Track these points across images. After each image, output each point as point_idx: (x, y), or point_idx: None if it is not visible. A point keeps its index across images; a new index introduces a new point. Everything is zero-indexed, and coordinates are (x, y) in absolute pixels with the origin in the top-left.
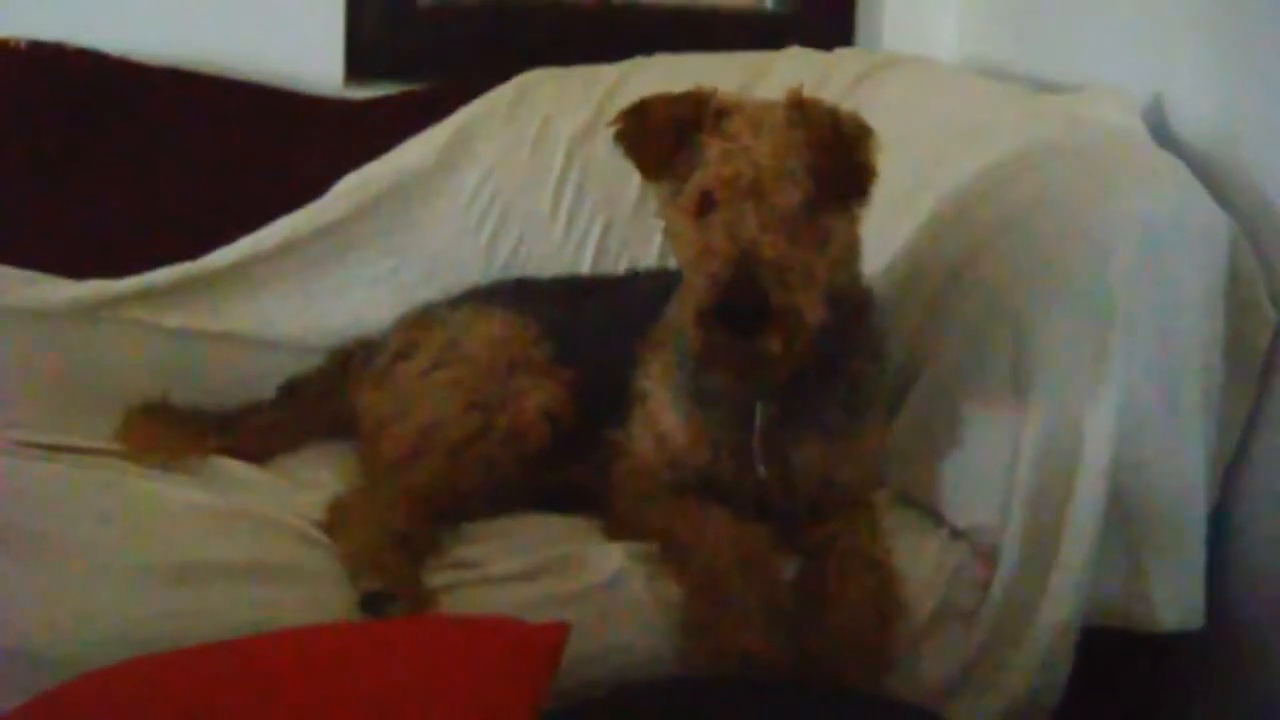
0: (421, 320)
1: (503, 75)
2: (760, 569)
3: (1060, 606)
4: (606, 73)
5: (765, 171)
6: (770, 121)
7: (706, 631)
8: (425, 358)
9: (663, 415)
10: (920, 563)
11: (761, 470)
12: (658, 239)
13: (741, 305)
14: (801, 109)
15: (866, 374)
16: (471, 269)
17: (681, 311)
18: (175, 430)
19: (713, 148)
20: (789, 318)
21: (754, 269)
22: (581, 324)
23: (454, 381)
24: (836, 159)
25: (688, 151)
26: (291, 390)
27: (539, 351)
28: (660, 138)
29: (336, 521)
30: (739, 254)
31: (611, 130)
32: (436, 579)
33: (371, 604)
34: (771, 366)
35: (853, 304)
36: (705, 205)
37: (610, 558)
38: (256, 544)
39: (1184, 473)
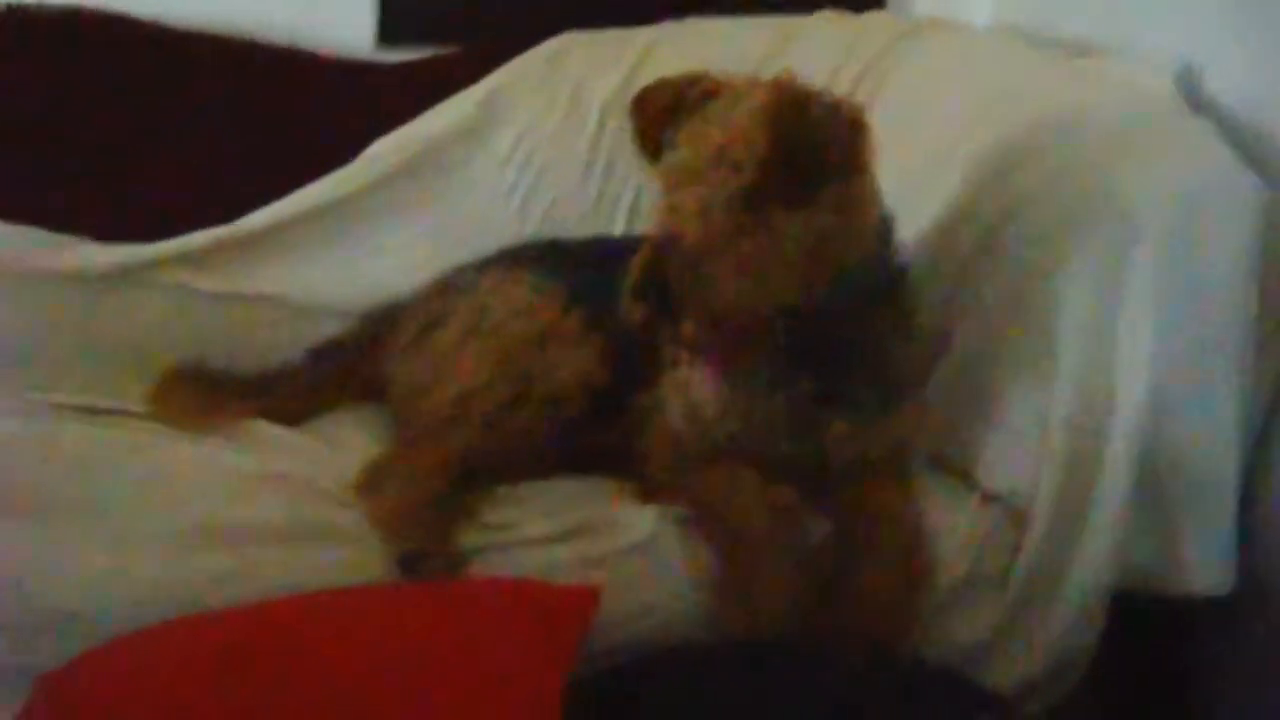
0: (450, 286)
1: (535, 38)
2: (791, 530)
3: (1091, 569)
4: (639, 36)
5: (705, 159)
6: (745, 106)
7: (739, 593)
8: (456, 327)
9: (694, 384)
10: (952, 526)
11: (786, 446)
12: None
13: (650, 291)
14: (782, 93)
15: (898, 354)
16: (505, 232)
17: None
18: (208, 394)
19: (679, 135)
20: (700, 305)
21: (665, 256)
22: (612, 287)
23: (488, 351)
24: (796, 148)
25: (671, 130)
26: (324, 354)
27: (570, 319)
28: (651, 125)
29: (371, 484)
30: (659, 241)
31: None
32: (470, 541)
33: (407, 563)
34: (720, 346)
35: (879, 285)
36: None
37: (642, 520)
38: (291, 506)
39: (1215, 438)
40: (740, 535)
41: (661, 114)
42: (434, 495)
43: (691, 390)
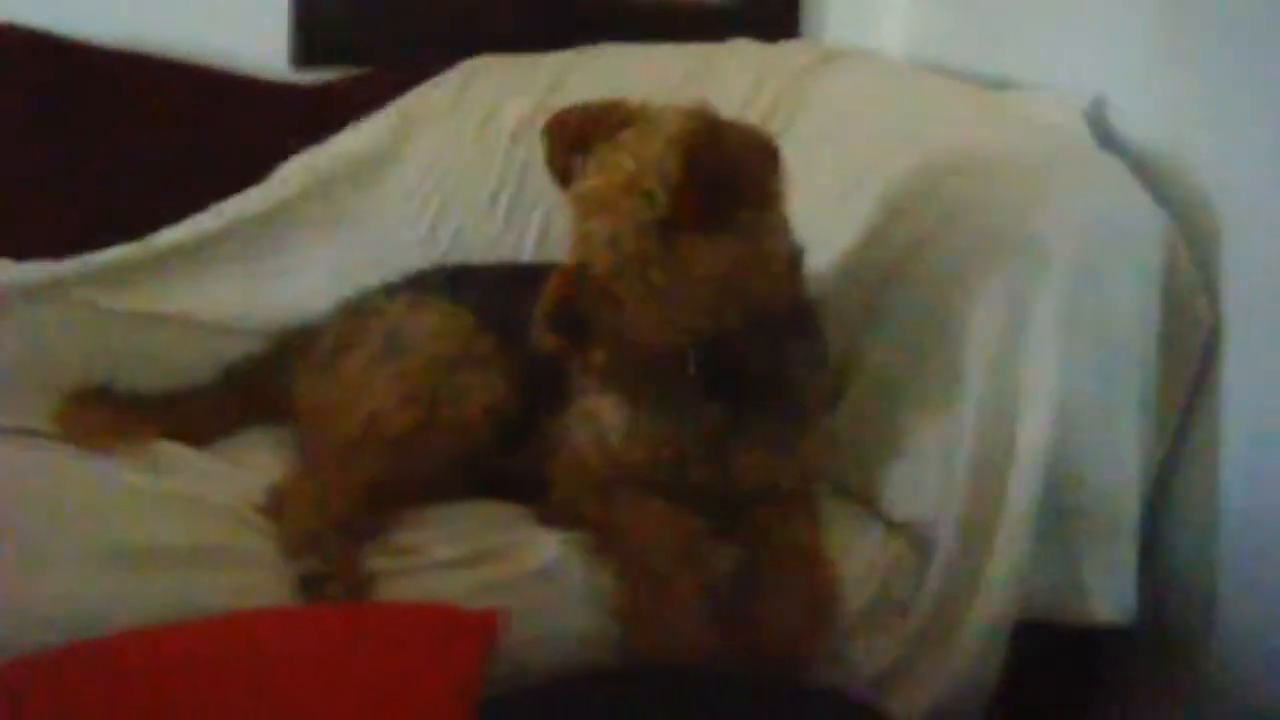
0: (359, 309)
1: (451, 61)
2: (696, 558)
3: (995, 599)
4: (552, 61)
5: (617, 188)
6: (659, 135)
7: (643, 620)
8: (365, 350)
9: (602, 412)
10: (857, 555)
11: (694, 474)
12: None
13: (561, 320)
14: (696, 122)
15: (807, 384)
16: (414, 254)
17: None
18: (114, 414)
19: (590, 162)
20: (610, 333)
21: (577, 286)
22: (522, 313)
23: (396, 375)
24: (710, 176)
25: (584, 158)
26: (232, 374)
27: (479, 343)
28: (564, 149)
29: (277, 506)
30: (571, 269)
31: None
32: (374, 564)
33: (309, 585)
34: (629, 375)
35: (789, 314)
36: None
37: (548, 545)
38: (195, 527)
39: (1118, 468)
40: (647, 562)
41: (575, 139)
42: (338, 518)
43: (599, 417)
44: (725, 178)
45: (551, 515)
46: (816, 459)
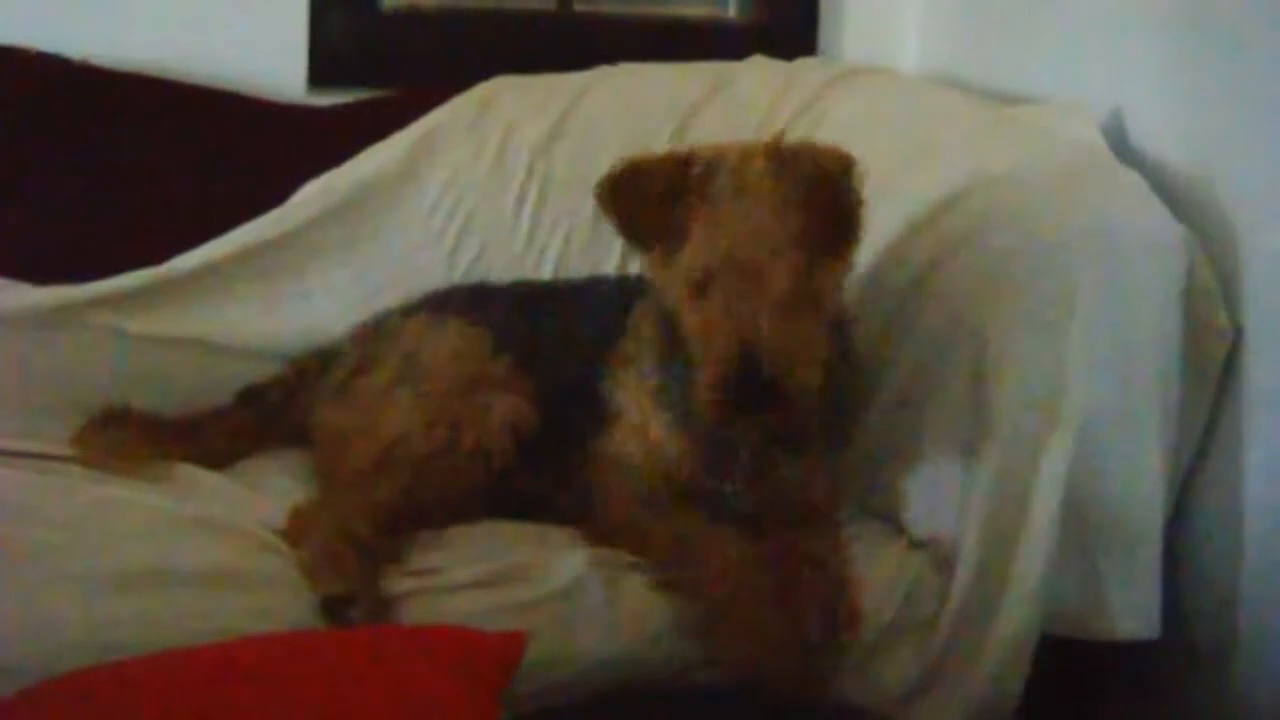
0: (377, 332)
1: (466, 83)
2: (766, 593)
3: (1017, 615)
4: (569, 82)
5: (759, 251)
6: (755, 184)
7: (729, 653)
8: (384, 372)
9: (650, 428)
10: (879, 572)
11: (731, 487)
12: (618, 248)
13: (748, 391)
14: (783, 160)
15: (847, 391)
16: (434, 276)
17: (695, 389)
18: (134, 437)
19: (701, 222)
20: (793, 394)
21: (757, 356)
22: (541, 332)
23: (416, 397)
24: (827, 210)
25: (673, 216)
26: (251, 397)
27: (499, 364)
28: (647, 209)
29: (297, 529)
30: (741, 341)
31: (596, 195)
32: (396, 586)
33: (332, 608)
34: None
35: (833, 328)
36: (704, 279)
37: (569, 565)
38: (214, 551)
39: (1140, 483)
40: (731, 601)
41: (654, 198)
42: (360, 541)
43: (648, 433)
44: (839, 205)
45: (598, 534)
46: (850, 475)
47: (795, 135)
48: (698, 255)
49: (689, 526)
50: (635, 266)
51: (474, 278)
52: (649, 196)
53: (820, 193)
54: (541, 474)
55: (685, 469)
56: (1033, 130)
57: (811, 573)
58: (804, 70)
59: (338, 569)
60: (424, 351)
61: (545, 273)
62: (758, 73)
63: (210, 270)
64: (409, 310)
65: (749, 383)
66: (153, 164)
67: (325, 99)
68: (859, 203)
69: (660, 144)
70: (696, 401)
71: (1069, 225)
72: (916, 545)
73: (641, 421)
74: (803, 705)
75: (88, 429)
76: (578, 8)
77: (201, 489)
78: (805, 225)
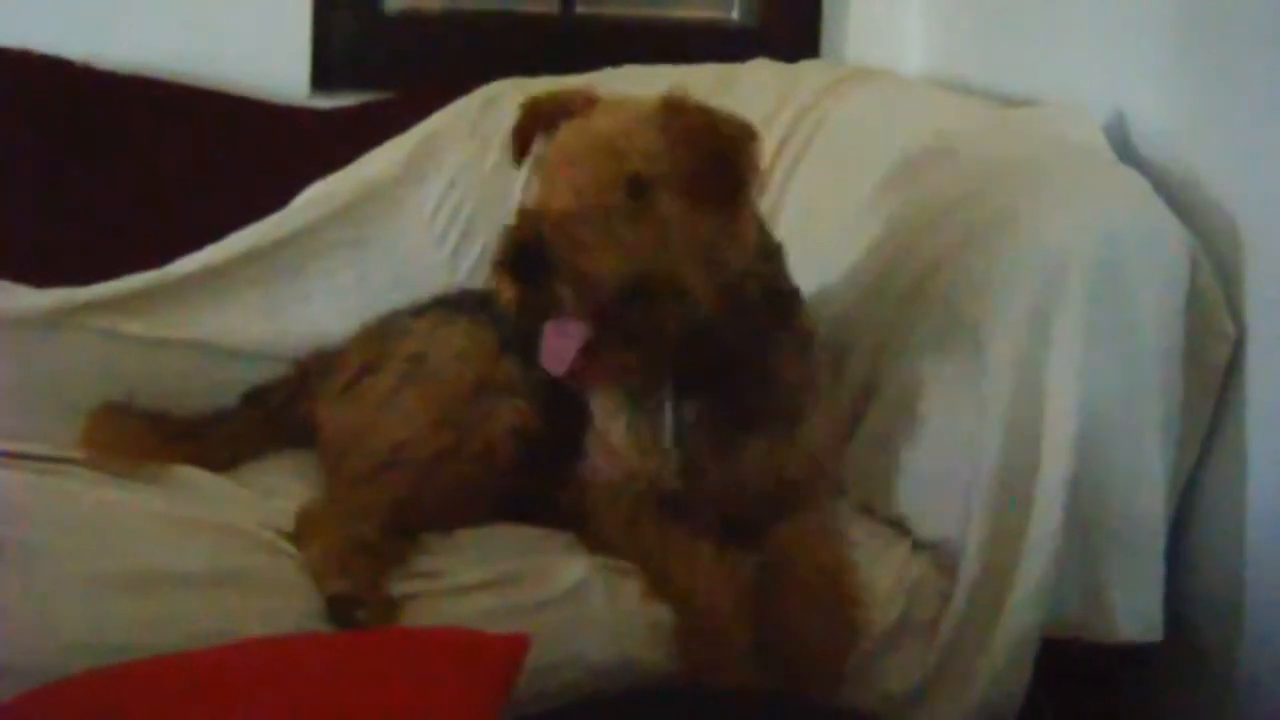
0: (384, 331)
1: (469, 85)
2: (748, 605)
3: (1020, 618)
4: (573, 85)
5: (589, 143)
6: (631, 112)
7: (704, 667)
8: (390, 374)
9: (609, 427)
10: (882, 575)
11: (675, 481)
12: None
13: (518, 253)
14: (673, 107)
15: (797, 372)
16: (436, 279)
17: None
18: (139, 435)
19: (563, 127)
20: (569, 272)
21: (538, 220)
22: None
23: (421, 399)
24: (698, 155)
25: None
26: (254, 399)
27: (506, 365)
28: (532, 122)
29: (304, 530)
30: (532, 209)
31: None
32: (400, 588)
33: (338, 608)
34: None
35: (771, 304)
36: (532, 181)
37: (572, 569)
38: (218, 553)
39: (1143, 485)
40: (706, 616)
41: (547, 115)
42: (366, 541)
43: (609, 436)
44: (710, 148)
45: (595, 541)
46: (815, 444)
47: (795, 137)
48: (541, 151)
49: (670, 547)
50: None
51: (476, 280)
52: (540, 112)
53: (700, 138)
54: (546, 477)
55: (645, 464)
56: (1035, 132)
57: (812, 573)
58: (806, 73)
59: (344, 568)
60: (430, 352)
61: None
62: (760, 75)
63: (212, 273)
64: (417, 312)
65: (521, 244)
66: (155, 166)
67: (328, 101)
68: (750, 166)
69: None
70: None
71: (1071, 227)
72: (919, 548)
73: (601, 420)
74: (807, 708)
75: (92, 423)
76: (580, 10)
77: (204, 491)
78: (666, 151)
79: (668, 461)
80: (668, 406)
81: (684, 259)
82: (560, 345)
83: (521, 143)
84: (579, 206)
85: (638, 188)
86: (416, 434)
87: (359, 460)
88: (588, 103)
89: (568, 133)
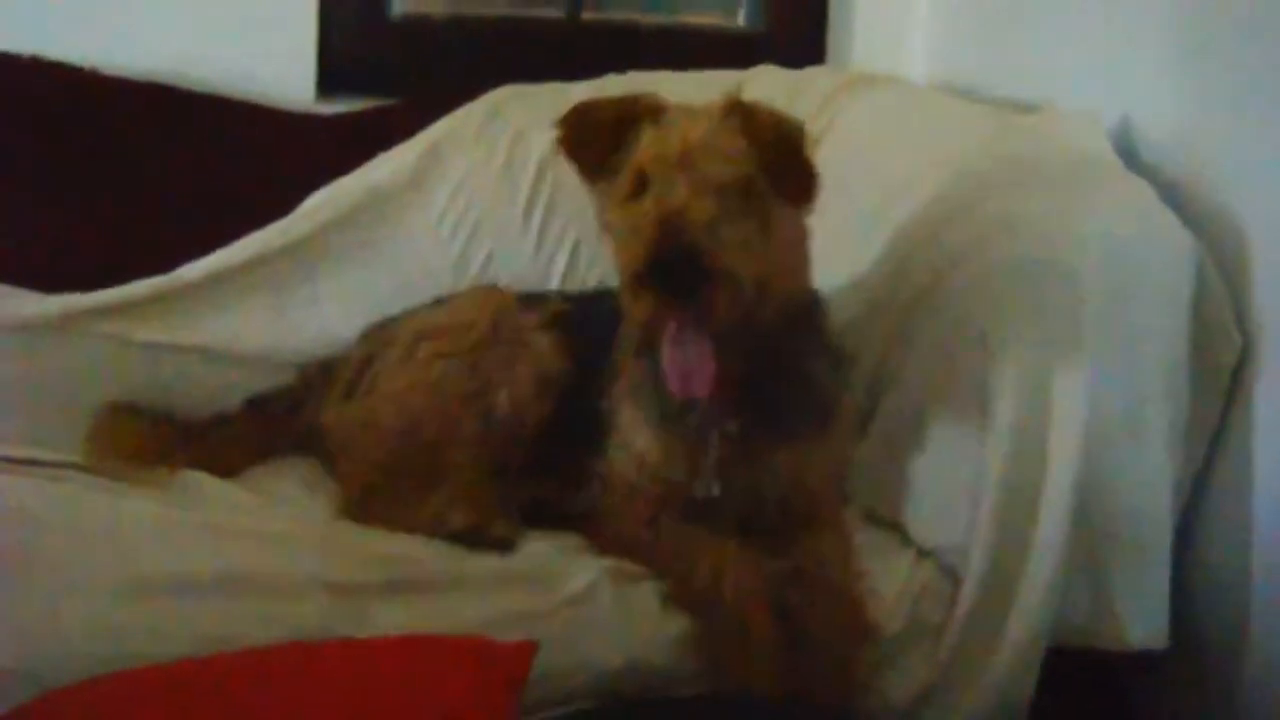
0: (384, 330)
1: (475, 91)
2: (770, 609)
3: (1025, 625)
4: (578, 91)
5: (697, 146)
6: (704, 107)
7: (731, 667)
8: (396, 352)
9: (636, 434)
10: (888, 582)
11: (714, 489)
12: None
13: (673, 261)
14: (739, 110)
15: (825, 376)
16: (442, 284)
17: (622, 301)
18: (143, 439)
19: (647, 134)
20: (725, 278)
21: (683, 227)
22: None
23: (436, 357)
24: (778, 156)
25: (625, 149)
26: (260, 405)
27: (522, 318)
28: (598, 136)
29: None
30: (668, 214)
31: (554, 135)
32: (405, 587)
33: (470, 539)
34: (721, 344)
35: (802, 308)
36: (639, 187)
37: (581, 573)
38: (223, 558)
39: (1149, 492)
40: (733, 619)
41: (606, 127)
42: (480, 478)
43: (635, 442)
44: (792, 158)
45: (606, 544)
46: (842, 458)
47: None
48: (635, 160)
49: (695, 547)
50: None
51: (483, 284)
52: (600, 125)
53: (775, 141)
54: (552, 478)
55: (672, 471)
56: (1041, 138)
57: (821, 587)
58: (812, 79)
59: (470, 503)
60: (435, 320)
61: (554, 280)
62: (766, 81)
63: (218, 278)
64: (415, 312)
65: (673, 253)
66: (161, 172)
67: (334, 107)
68: (813, 167)
69: None
70: (627, 311)
71: (1077, 234)
72: (924, 554)
73: (627, 428)
74: (816, 714)
75: (98, 426)
76: (586, 17)
77: (209, 496)
78: (754, 158)
79: (699, 472)
80: (709, 419)
81: (789, 265)
82: (694, 365)
83: (598, 151)
84: (722, 211)
85: (752, 191)
86: (445, 378)
87: (374, 441)
88: (656, 109)
89: (660, 140)
